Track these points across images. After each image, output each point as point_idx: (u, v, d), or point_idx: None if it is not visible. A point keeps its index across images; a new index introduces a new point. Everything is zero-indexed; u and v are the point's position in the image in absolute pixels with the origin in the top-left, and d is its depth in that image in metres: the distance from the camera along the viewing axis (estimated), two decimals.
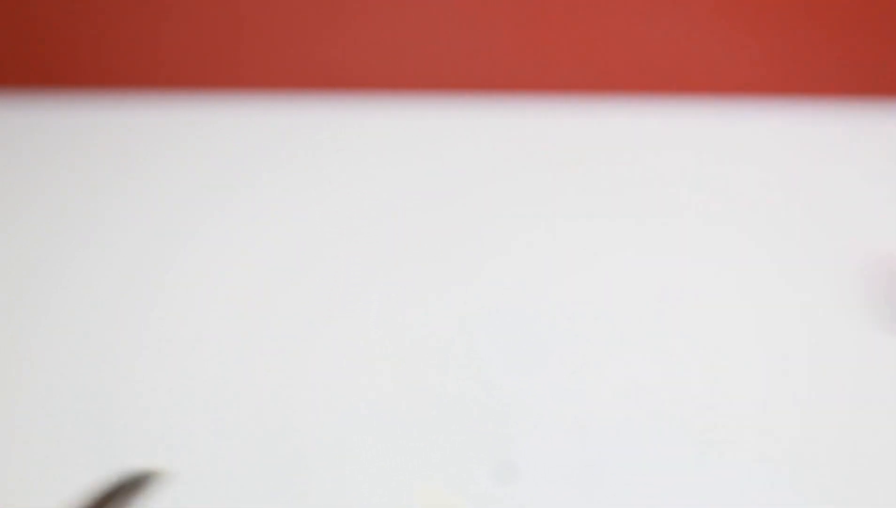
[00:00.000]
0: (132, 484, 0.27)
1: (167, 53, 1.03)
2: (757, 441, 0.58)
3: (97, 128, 0.95)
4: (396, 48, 1.02)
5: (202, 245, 0.77)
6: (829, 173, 0.88)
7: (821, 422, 0.60)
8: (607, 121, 0.96)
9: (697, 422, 0.59)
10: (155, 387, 0.65)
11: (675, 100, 0.99)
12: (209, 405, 0.63)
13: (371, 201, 0.84)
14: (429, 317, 0.69)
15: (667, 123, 0.96)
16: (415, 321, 0.68)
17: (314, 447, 0.57)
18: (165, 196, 0.85)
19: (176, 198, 0.84)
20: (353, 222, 0.81)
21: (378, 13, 1.01)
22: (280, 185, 0.87)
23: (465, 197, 0.84)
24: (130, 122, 0.96)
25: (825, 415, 0.60)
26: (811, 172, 0.89)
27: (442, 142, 0.94)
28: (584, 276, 0.73)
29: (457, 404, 0.61)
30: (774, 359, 0.65)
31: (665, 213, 0.80)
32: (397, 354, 0.65)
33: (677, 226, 0.79)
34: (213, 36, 1.02)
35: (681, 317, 0.69)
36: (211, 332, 0.70)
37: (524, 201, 0.82)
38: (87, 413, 0.63)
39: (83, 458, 0.59)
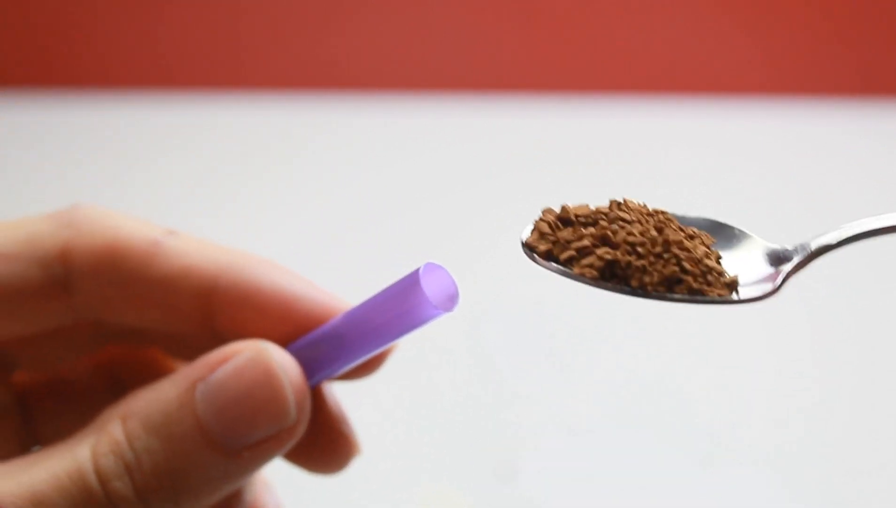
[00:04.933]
0: None
1: (168, 53, 1.03)
2: (761, 444, 0.58)
3: (97, 128, 0.95)
4: (397, 48, 1.03)
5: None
6: (828, 172, 0.89)
7: (824, 422, 0.60)
8: (607, 120, 0.96)
9: (701, 423, 0.59)
10: None
11: (675, 100, 0.99)
12: None
13: (372, 199, 0.84)
14: None
15: (667, 122, 0.96)
16: None
17: None
18: (165, 194, 0.85)
19: (176, 196, 0.85)
20: (353, 219, 0.81)
21: (379, 14, 1.02)
22: (281, 183, 0.87)
23: (466, 194, 0.84)
24: (130, 122, 0.96)
25: (828, 415, 0.60)
26: (811, 171, 0.89)
27: (442, 141, 0.94)
28: None
29: (459, 402, 0.61)
30: (777, 358, 0.65)
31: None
32: (397, 352, 0.66)
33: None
34: (213, 36, 1.02)
35: (682, 316, 0.69)
36: None
37: (525, 200, 0.82)
38: None
39: None
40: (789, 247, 0.27)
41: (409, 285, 0.27)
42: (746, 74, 1.02)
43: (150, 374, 0.34)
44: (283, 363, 0.28)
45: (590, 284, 0.26)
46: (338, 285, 0.72)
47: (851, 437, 0.59)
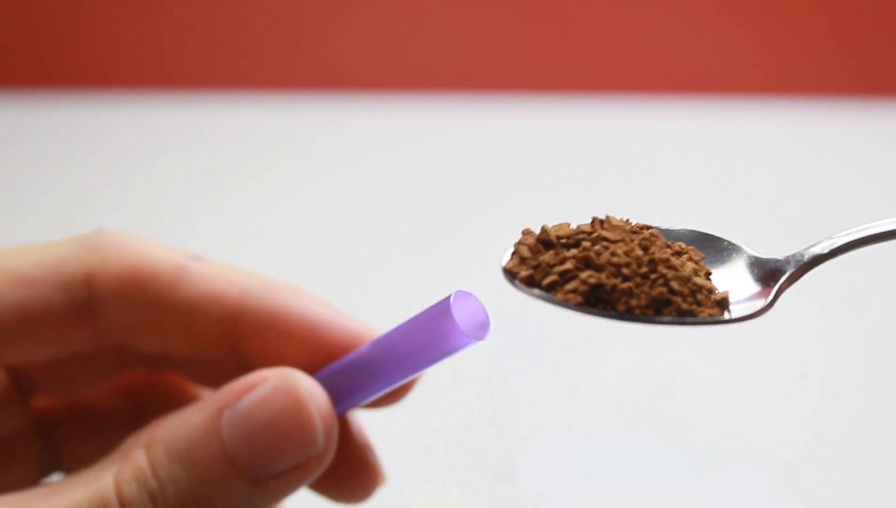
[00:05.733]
0: None
1: (168, 53, 1.03)
2: (761, 445, 0.58)
3: (97, 128, 0.95)
4: (397, 48, 1.03)
5: (200, 244, 0.77)
6: (828, 172, 0.89)
7: (824, 423, 0.60)
8: (607, 120, 0.96)
9: (701, 424, 0.59)
10: None
11: (675, 100, 0.99)
12: None
13: (372, 199, 0.84)
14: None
15: (667, 122, 0.96)
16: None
17: None
18: (166, 194, 0.85)
19: (176, 196, 0.85)
20: (353, 220, 0.81)
21: (379, 14, 1.02)
22: (281, 183, 0.87)
23: (466, 194, 0.84)
24: (130, 122, 0.96)
25: (829, 416, 0.60)
26: (811, 171, 0.89)
27: (442, 141, 0.94)
28: None
29: (459, 402, 0.61)
30: (778, 360, 0.65)
31: (666, 211, 0.80)
32: None
33: (678, 224, 0.79)
34: (213, 36, 1.02)
35: None
36: None
37: (526, 200, 0.82)
38: None
39: None
40: (781, 259, 0.26)
41: (440, 313, 0.27)
42: (746, 74, 1.02)
43: (174, 400, 0.34)
44: (311, 390, 0.28)
45: (574, 310, 0.25)
46: (339, 284, 0.72)
47: (851, 438, 0.59)
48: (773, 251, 0.27)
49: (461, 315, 0.27)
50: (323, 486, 0.32)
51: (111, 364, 0.33)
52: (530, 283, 0.26)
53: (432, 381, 0.63)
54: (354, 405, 0.30)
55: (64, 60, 1.01)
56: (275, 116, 0.97)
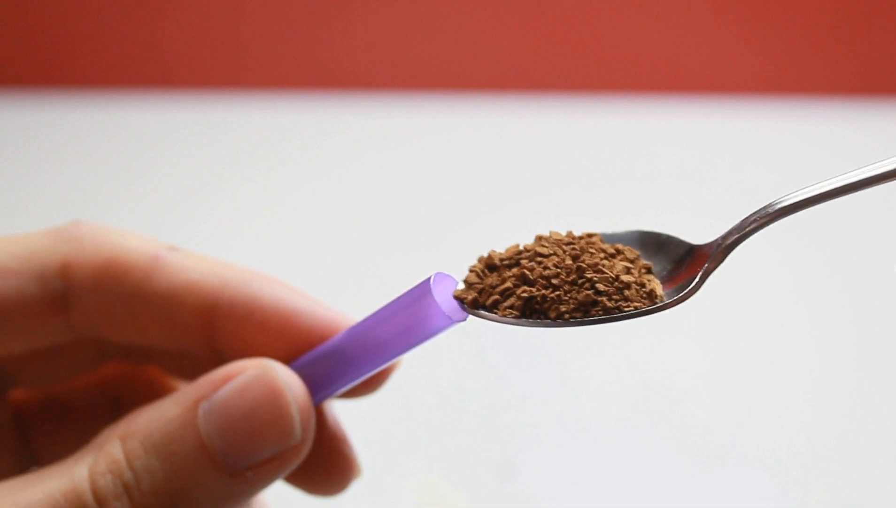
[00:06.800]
0: None
1: (168, 53, 1.03)
2: (761, 443, 0.58)
3: (97, 128, 0.95)
4: (397, 48, 1.03)
5: (198, 243, 0.77)
6: (828, 172, 0.88)
7: (824, 426, 0.60)
8: (607, 120, 0.96)
9: (701, 423, 0.59)
10: None
11: (675, 100, 0.99)
12: None
13: (372, 199, 0.84)
14: None
15: (667, 122, 0.96)
16: None
17: None
18: (165, 194, 0.85)
19: (175, 196, 0.85)
20: (353, 219, 0.81)
21: (379, 14, 1.02)
22: (281, 183, 0.87)
23: (465, 194, 0.84)
24: (130, 122, 0.96)
25: (829, 419, 0.60)
26: (811, 171, 0.89)
27: (442, 141, 0.94)
28: None
29: (459, 402, 0.61)
30: (777, 359, 0.65)
31: (665, 211, 0.80)
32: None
33: (677, 224, 0.79)
34: (213, 36, 1.02)
35: (682, 316, 0.69)
36: None
37: (524, 199, 0.82)
38: None
39: None
40: (708, 243, 0.27)
41: (420, 295, 0.27)
42: (746, 74, 1.02)
43: (151, 393, 0.34)
44: (288, 381, 0.28)
45: (514, 323, 0.27)
46: (338, 284, 0.72)
47: (851, 436, 0.59)
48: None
49: (441, 297, 0.27)
50: (298, 478, 0.32)
51: (88, 357, 0.33)
52: (475, 305, 0.27)
53: (433, 382, 0.63)
54: (332, 393, 0.30)
55: (64, 60, 1.01)
56: (275, 116, 0.97)
